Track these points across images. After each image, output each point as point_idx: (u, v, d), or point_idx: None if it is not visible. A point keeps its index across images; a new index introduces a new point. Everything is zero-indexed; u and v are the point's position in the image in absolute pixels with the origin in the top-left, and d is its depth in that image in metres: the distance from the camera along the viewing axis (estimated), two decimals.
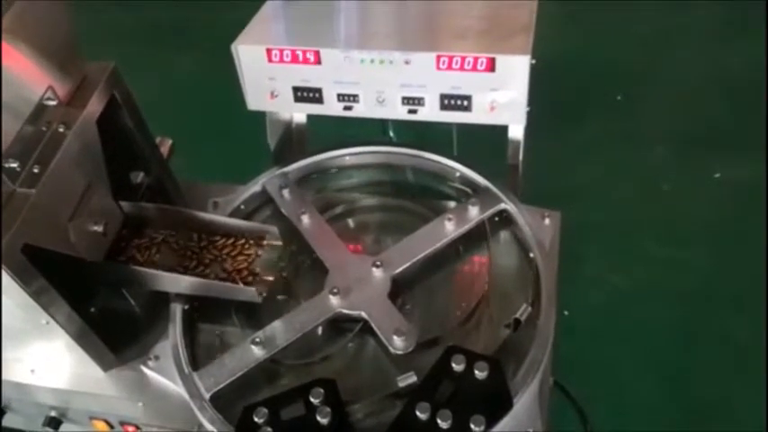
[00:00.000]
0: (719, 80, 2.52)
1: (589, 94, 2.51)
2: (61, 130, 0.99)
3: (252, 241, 1.16)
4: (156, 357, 1.09)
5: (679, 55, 2.62)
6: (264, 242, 1.16)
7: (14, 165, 0.93)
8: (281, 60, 1.14)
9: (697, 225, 2.14)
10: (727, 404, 1.79)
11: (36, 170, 0.94)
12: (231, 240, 1.16)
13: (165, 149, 1.30)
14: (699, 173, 2.27)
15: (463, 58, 1.08)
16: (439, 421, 0.92)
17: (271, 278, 1.13)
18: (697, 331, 1.92)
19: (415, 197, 1.26)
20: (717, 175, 2.26)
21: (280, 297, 1.14)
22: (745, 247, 2.07)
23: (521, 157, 1.25)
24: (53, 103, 1.01)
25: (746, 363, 1.85)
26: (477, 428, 0.92)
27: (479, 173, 1.23)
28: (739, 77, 2.51)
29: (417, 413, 0.93)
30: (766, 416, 1.71)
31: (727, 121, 2.39)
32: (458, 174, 1.25)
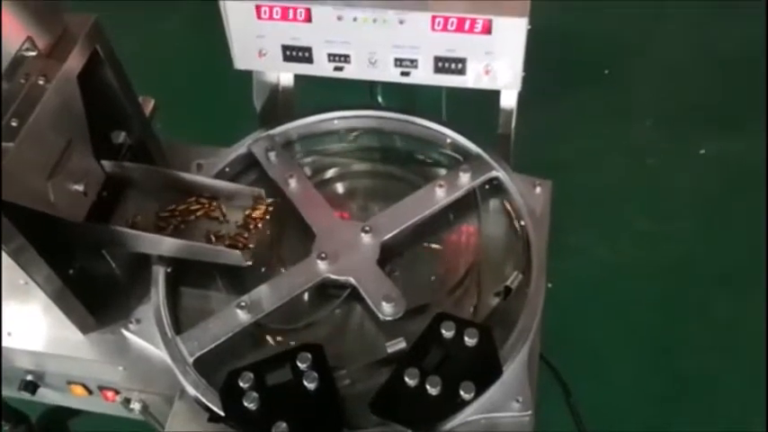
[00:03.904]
0: (707, 57, 2.51)
1: (576, 67, 2.49)
2: (41, 83, 0.95)
3: (203, 200, 1.14)
4: (138, 321, 1.07)
5: (667, 31, 2.61)
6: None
7: None
8: (271, 17, 1.11)
9: (682, 200, 2.14)
10: (710, 379, 1.81)
11: (14, 123, 0.91)
12: (216, 202, 1.14)
13: (147, 109, 1.26)
14: (684, 148, 2.27)
15: (459, 20, 1.05)
16: (428, 387, 0.92)
17: (256, 242, 1.10)
18: (681, 305, 1.93)
19: (405, 163, 1.24)
20: (702, 152, 2.26)
21: (265, 261, 1.11)
22: (730, 223, 2.08)
23: (513, 125, 1.23)
24: (32, 54, 0.97)
25: (730, 337, 1.86)
26: (466, 395, 0.92)
27: (471, 139, 1.21)
28: (727, 54, 2.50)
29: (406, 379, 0.92)
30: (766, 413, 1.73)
31: (714, 98, 2.39)
32: (449, 140, 1.23)
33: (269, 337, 1.05)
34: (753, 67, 2.41)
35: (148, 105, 1.26)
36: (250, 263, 1.06)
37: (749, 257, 1.97)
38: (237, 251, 1.05)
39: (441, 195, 1.13)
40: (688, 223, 2.09)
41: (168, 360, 1.01)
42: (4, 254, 0.90)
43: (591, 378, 1.73)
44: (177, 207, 1.13)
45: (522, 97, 1.20)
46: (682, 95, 2.42)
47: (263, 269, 1.10)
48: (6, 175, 0.88)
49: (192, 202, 1.14)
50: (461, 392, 0.91)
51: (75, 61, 1.00)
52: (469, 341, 0.96)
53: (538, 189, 1.16)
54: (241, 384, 0.94)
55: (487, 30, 1.06)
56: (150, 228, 1.11)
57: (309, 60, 1.16)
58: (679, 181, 2.19)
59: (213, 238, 1.10)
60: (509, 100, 1.21)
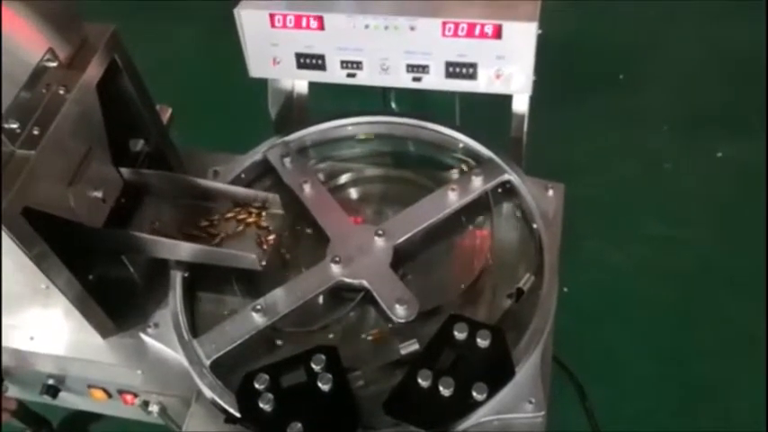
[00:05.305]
0: (721, 60, 2.50)
1: (590, 72, 2.49)
2: (61, 92, 0.98)
3: (253, 209, 1.15)
4: (156, 325, 1.09)
5: (682, 35, 2.60)
6: (265, 210, 1.15)
7: (14, 126, 0.92)
8: (284, 26, 1.13)
9: (698, 204, 2.13)
10: (725, 385, 1.79)
11: (36, 132, 0.93)
12: (232, 208, 1.16)
13: (164, 117, 1.28)
14: (700, 152, 2.26)
15: (470, 25, 1.06)
16: (441, 388, 0.92)
17: (272, 246, 1.12)
18: (696, 310, 1.91)
19: (418, 167, 1.25)
20: (719, 155, 2.25)
21: (280, 265, 1.13)
22: (746, 227, 2.06)
23: (525, 129, 1.24)
24: (53, 64, 0.99)
25: (745, 344, 1.85)
26: (479, 396, 0.92)
27: (483, 143, 1.22)
28: (742, 57, 2.49)
29: (419, 380, 0.93)
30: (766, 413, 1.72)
31: (729, 101, 2.38)
32: (461, 144, 1.24)
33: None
34: None
35: (165, 113, 1.29)
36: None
37: (765, 262, 1.95)
38: (253, 255, 1.06)
39: (453, 199, 1.14)
40: (704, 228, 2.07)
41: (185, 363, 1.02)
42: (25, 257, 0.92)
43: (605, 382, 1.72)
44: (224, 215, 1.15)
45: (536, 102, 1.20)
46: (698, 99, 2.41)
47: (277, 273, 1.12)
48: (29, 182, 0.90)
49: (239, 211, 1.15)
50: (474, 393, 0.92)
51: (94, 71, 1.03)
52: (482, 342, 0.96)
53: (550, 192, 1.17)
54: (257, 386, 0.95)
55: (498, 34, 1.07)
56: (170, 233, 1.13)
57: (323, 68, 1.18)
58: (695, 185, 2.18)
59: (264, 244, 1.12)
60: (521, 104, 1.22)
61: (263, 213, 1.15)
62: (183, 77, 2.51)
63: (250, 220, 1.14)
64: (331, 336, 1.06)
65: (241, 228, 1.14)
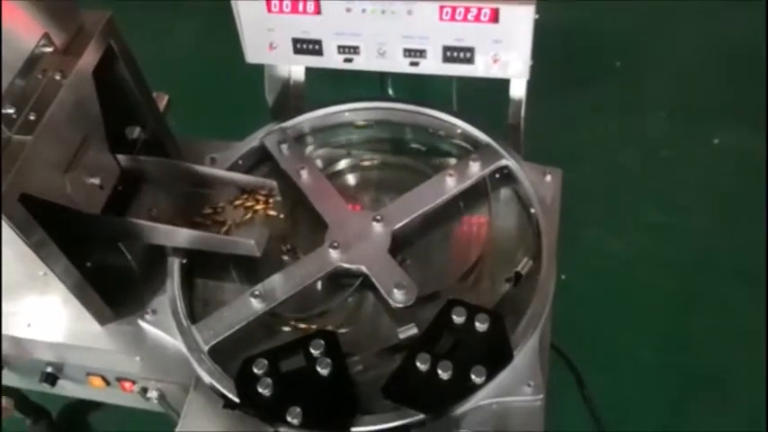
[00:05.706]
0: (719, 49, 2.49)
1: (587, 60, 2.48)
2: (57, 78, 0.97)
3: (250, 196, 1.15)
4: (154, 311, 1.09)
5: (679, 22, 2.59)
6: (263, 197, 1.15)
7: (11, 111, 0.92)
8: (281, 11, 1.12)
9: (696, 192, 2.12)
10: (725, 373, 1.79)
11: (32, 117, 0.93)
12: (239, 195, 1.15)
13: (161, 105, 1.28)
14: (699, 140, 2.26)
15: (467, 9, 1.06)
16: (439, 372, 0.93)
17: (269, 233, 1.12)
18: (695, 299, 1.91)
19: (416, 153, 1.25)
20: (715, 141, 2.25)
21: (278, 252, 1.13)
22: (745, 215, 2.06)
23: (522, 114, 1.24)
24: (49, 50, 0.99)
25: (745, 332, 1.84)
26: (477, 379, 0.92)
27: (481, 129, 1.21)
28: (738, 46, 2.48)
29: (418, 364, 0.93)
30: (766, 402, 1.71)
31: (726, 89, 2.37)
32: (459, 130, 1.23)
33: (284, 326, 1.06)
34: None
35: (162, 101, 1.28)
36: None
37: (764, 250, 1.95)
38: (250, 241, 1.06)
39: (451, 184, 1.14)
40: (702, 216, 2.07)
41: (184, 349, 1.02)
42: (23, 243, 0.92)
43: (604, 370, 1.72)
44: (231, 202, 1.14)
45: (534, 89, 1.20)
46: (695, 87, 2.40)
47: (275, 259, 1.11)
48: (25, 168, 0.90)
49: (246, 198, 1.15)
50: (473, 377, 0.92)
51: (90, 57, 1.03)
52: (480, 326, 0.96)
53: (548, 177, 1.17)
54: (256, 371, 0.95)
55: (495, 18, 1.06)
56: (168, 220, 1.13)
57: (320, 53, 1.17)
58: (693, 173, 2.18)
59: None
60: (518, 89, 1.21)
61: (271, 201, 1.15)
62: (180, 67, 2.50)
63: (258, 207, 1.14)
64: (330, 321, 1.06)
65: (249, 215, 1.13)
